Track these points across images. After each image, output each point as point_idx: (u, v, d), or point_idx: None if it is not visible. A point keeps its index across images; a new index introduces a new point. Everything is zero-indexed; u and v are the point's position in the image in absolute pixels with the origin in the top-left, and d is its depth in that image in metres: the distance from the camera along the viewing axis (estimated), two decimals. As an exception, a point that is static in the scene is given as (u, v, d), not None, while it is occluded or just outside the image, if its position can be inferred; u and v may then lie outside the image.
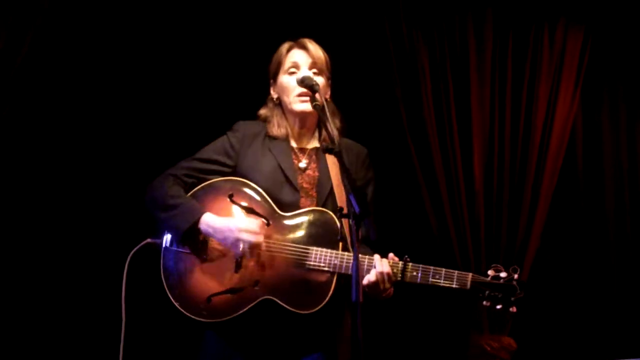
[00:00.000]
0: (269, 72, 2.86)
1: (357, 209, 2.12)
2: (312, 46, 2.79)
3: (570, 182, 4.64)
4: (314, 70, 2.76)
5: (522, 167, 4.40)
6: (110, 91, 4.02)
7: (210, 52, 4.13)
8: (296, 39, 2.84)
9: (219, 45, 4.14)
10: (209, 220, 2.57)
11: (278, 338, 2.60)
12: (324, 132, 2.78)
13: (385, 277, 2.52)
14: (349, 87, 4.12)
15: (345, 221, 2.35)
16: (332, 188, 2.69)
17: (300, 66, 2.76)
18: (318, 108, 2.52)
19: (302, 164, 2.75)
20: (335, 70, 2.89)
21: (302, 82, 2.64)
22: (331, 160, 2.74)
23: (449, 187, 4.29)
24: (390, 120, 4.39)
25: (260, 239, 2.54)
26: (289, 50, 2.81)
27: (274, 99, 2.84)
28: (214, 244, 2.59)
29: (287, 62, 2.78)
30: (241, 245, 2.53)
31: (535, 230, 4.34)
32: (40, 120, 3.90)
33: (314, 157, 2.78)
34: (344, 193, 2.62)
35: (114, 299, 2.67)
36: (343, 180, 2.31)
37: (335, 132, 2.42)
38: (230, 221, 2.56)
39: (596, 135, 4.72)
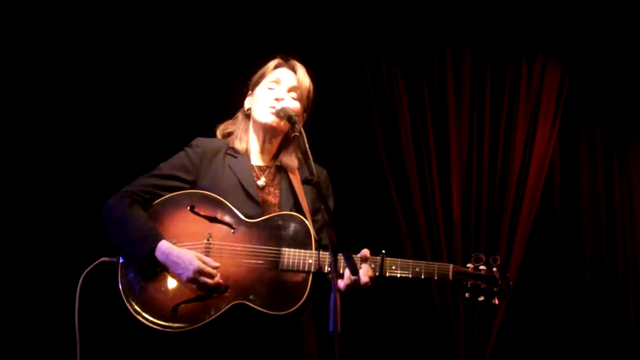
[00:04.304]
0: (249, 84, 2.84)
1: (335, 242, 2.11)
2: (301, 71, 2.79)
3: (547, 215, 4.65)
4: (293, 94, 2.75)
5: (500, 199, 4.41)
6: (61, 112, 4.03)
7: (176, 73, 4.15)
8: (286, 57, 2.83)
9: (188, 66, 4.17)
10: (167, 251, 2.48)
11: (250, 344, 2.53)
12: (282, 154, 2.78)
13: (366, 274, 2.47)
14: (327, 119, 4.14)
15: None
16: (295, 203, 2.68)
17: (281, 83, 2.75)
18: (297, 138, 2.49)
19: (261, 181, 2.72)
20: (313, 101, 2.87)
21: (279, 114, 2.64)
22: (292, 176, 2.74)
23: (427, 217, 4.29)
24: (368, 152, 4.40)
25: (217, 280, 2.45)
26: (276, 67, 2.81)
27: (245, 110, 2.83)
28: None
29: (271, 76, 2.77)
30: (196, 286, 2.45)
31: (513, 262, 4.33)
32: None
33: (273, 175, 2.76)
34: (308, 208, 2.65)
35: (67, 322, 2.57)
36: (321, 213, 2.27)
37: (312, 163, 2.39)
38: (187, 256, 2.47)
39: (573, 167, 4.76)
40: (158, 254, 2.47)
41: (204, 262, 2.46)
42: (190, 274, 2.44)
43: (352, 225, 3.87)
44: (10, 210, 3.87)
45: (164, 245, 2.49)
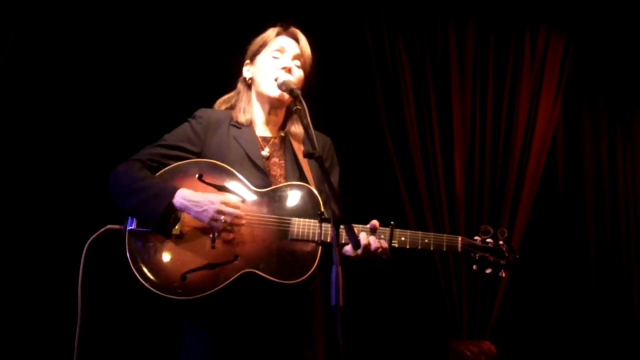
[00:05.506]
0: (246, 52, 2.80)
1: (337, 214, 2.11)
2: (303, 39, 2.77)
3: (550, 188, 4.65)
4: (297, 62, 2.72)
5: (502, 173, 4.39)
6: (64, 82, 3.99)
7: (173, 44, 4.11)
8: (286, 25, 2.79)
9: (185, 36, 4.12)
10: (185, 194, 2.46)
11: (259, 313, 2.51)
12: (288, 123, 2.77)
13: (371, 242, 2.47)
14: (329, 91, 4.12)
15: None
16: (300, 174, 2.66)
17: (285, 52, 2.72)
18: (299, 112, 2.46)
19: (265, 152, 2.69)
20: (314, 71, 2.84)
21: (282, 86, 2.60)
22: (297, 147, 2.71)
23: (430, 193, 4.26)
24: (371, 126, 4.37)
25: (242, 212, 2.47)
26: (278, 35, 2.77)
27: (246, 79, 2.79)
28: (186, 221, 2.49)
29: (274, 45, 2.74)
30: (222, 218, 2.44)
31: (515, 238, 4.32)
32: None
33: (277, 146, 2.74)
34: (313, 178, 2.62)
35: (72, 290, 2.53)
36: (324, 186, 2.26)
37: (314, 137, 2.35)
38: (209, 195, 2.47)
39: (576, 141, 4.74)
40: (177, 200, 2.45)
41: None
42: (216, 206, 2.43)
43: (354, 200, 3.87)
44: (15, 179, 3.84)
45: (183, 191, 2.47)
